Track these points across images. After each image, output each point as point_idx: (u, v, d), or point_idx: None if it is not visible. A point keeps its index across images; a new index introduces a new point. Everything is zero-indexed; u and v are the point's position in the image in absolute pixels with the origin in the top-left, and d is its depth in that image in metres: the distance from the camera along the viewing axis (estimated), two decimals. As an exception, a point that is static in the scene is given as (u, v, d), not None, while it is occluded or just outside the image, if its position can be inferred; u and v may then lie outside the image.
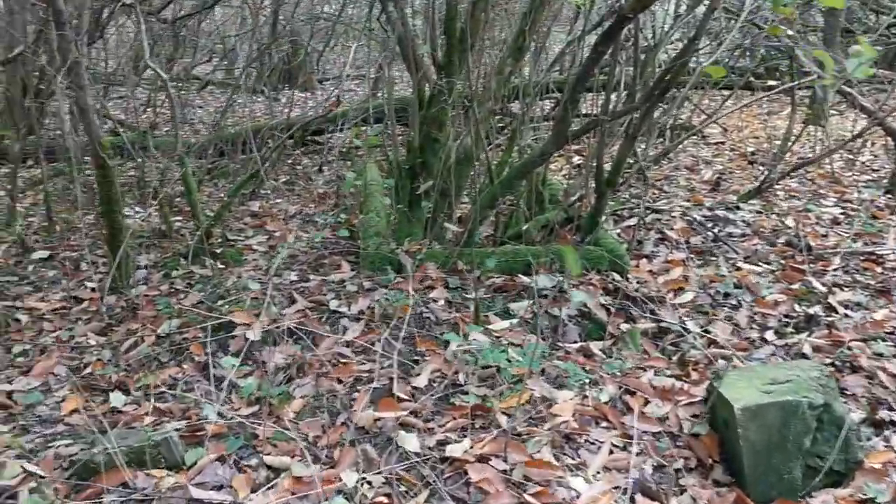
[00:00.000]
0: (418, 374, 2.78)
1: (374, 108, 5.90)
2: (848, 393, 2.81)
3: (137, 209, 5.17)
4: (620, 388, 2.81)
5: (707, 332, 3.32)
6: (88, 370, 3.08)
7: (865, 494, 2.27)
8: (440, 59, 3.85)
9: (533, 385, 2.70)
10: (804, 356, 3.09)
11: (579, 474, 2.31)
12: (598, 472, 2.34)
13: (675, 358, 3.12)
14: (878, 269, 3.97)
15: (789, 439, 2.24)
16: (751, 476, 2.27)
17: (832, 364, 3.00)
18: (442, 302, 3.37)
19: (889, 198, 5.48)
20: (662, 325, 3.38)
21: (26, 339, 3.41)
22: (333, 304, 3.30)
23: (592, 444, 2.46)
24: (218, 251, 4.13)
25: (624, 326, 3.42)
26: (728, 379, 2.48)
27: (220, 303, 3.43)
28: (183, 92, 10.01)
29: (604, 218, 3.84)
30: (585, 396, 2.73)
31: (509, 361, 2.86)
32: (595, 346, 3.26)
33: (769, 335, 3.26)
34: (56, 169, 5.74)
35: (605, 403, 2.69)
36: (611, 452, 2.41)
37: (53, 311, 3.73)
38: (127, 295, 3.78)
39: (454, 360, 2.85)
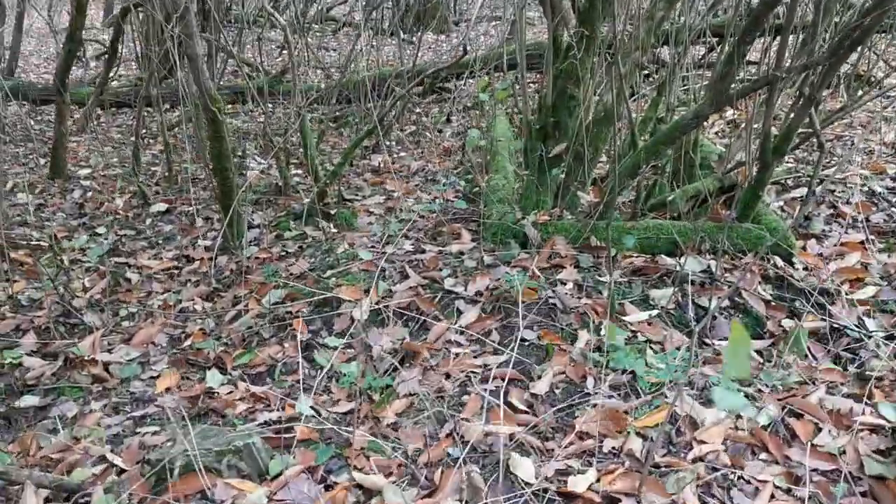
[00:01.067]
0: (539, 377, 2.40)
1: (508, 55, 5.45)
2: None
3: (259, 160, 5.02)
4: (784, 407, 2.33)
5: (893, 337, 2.75)
6: (189, 342, 2.91)
7: None
8: (581, 0, 3.36)
9: (675, 399, 2.26)
10: None
11: (731, 524, 1.89)
12: (756, 523, 1.90)
13: (851, 370, 2.58)
14: None
15: None
16: (960, 549, 1.78)
17: None
18: (570, 285, 2.96)
19: None
20: (835, 325, 2.83)
21: (134, 301, 3.29)
22: (449, 283, 2.96)
23: (748, 483, 2.02)
24: (332, 212, 3.88)
25: (787, 323, 2.90)
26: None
27: (328, 273, 3.16)
28: (318, 33, 9.86)
29: (765, 191, 3.28)
30: (740, 417, 2.27)
31: (648, 366, 2.43)
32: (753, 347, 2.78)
33: (976, 347, 2.65)
34: (182, 117, 5.67)
35: (765, 428, 2.22)
36: (772, 497, 1.96)
37: (164, 270, 3.60)
38: (238, 256, 3.61)
39: (582, 361, 2.46)
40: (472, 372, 2.48)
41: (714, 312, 2.92)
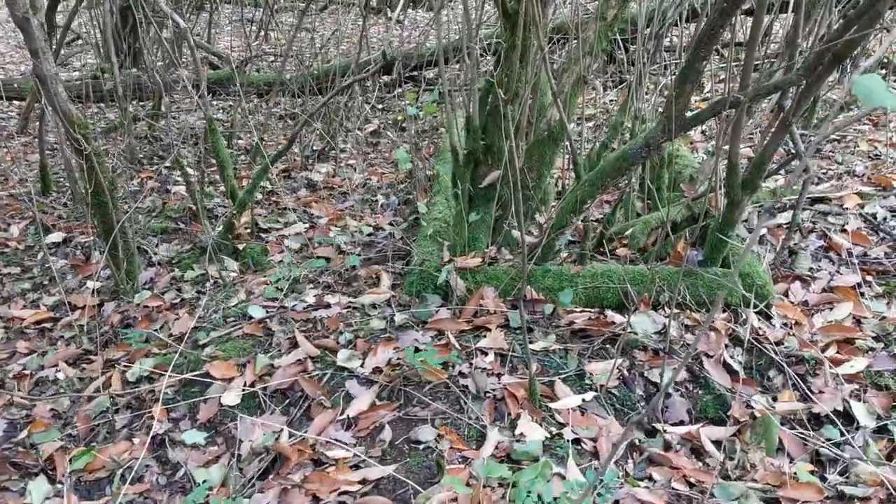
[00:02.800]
0: (421, 510, 1.88)
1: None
2: None
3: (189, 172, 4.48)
4: (736, 552, 1.79)
5: (885, 429, 2.20)
6: (26, 432, 2.40)
7: None
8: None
9: (591, 548, 1.74)
10: None
11: None
12: None
13: (832, 479, 2.04)
14: None
15: None
16: None
17: None
18: (491, 357, 2.42)
19: None
20: (816, 409, 2.28)
21: (-12, 369, 2.79)
22: (343, 357, 2.43)
23: None
24: (242, 246, 3.35)
25: (757, 403, 2.36)
26: None
27: (205, 339, 2.65)
28: (297, 8, 9.20)
29: (737, 230, 2.70)
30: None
31: (565, 485, 1.89)
32: (709, 437, 2.24)
33: None
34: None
35: (707, 587, 1.70)
36: None
37: (38, 323, 3.09)
38: (129, 300, 3.10)
39: (481, 482, 1.92)
40: (347, 492, 1.95)
41: (667, 389, 2.37)
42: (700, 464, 2.16)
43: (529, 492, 1.81)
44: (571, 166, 2.94)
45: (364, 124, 5.50)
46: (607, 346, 2.51)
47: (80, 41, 8.90)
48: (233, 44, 8.38)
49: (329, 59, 6.22)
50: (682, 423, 2.32)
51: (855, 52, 2.53)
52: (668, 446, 2.21)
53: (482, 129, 2.81)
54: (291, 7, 10.57)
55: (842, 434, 2.17)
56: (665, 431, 2.26)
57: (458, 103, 3.74)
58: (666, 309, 2.65)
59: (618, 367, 2.40)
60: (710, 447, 2.20)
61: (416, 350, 2.40)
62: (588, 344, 2.51)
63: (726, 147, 2.57)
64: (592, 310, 2.66)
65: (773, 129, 2.38)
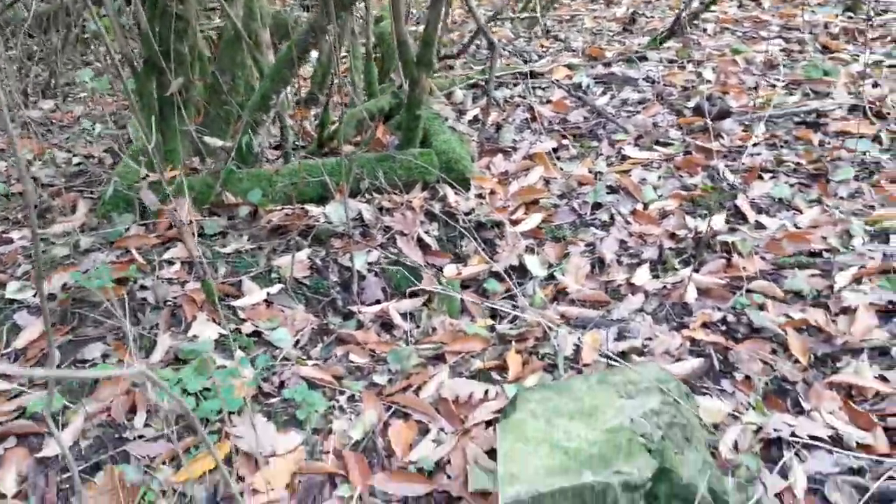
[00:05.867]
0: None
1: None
2: (737, 378, 1.86)
3: None
4: (390, 408, 1.85)
5: (553, 277, 2.33)
6: None
7: None
8: None
9: (240, 431, 1.74)
10: (685, 308, 2.12)
11: None
12: None
13: (500, 327, 2.14)
14: (816, 140, 2.91)
15: (596, 545, 1.31)
16: None
17: (723, 322, 2.03)
18: (177, 267, 2.35)
19: (850, 18, 4.32)
20: (495, 268, 2.38)
21: None
22: (12, 289, 2.28)
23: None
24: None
25: (450, 271, 2.43)
26: (517, 419, 1.51)
27: None
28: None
29: (422, 111, 2.72)
30: (331, 433, 1.77)
31: (207, 395, 1.87)
32: (399, 310, 2.29)
33: (641, 274, 2.27)
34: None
35: (356, 446, 1.74)
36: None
37: None
38: None
39: (140, 388, 1.87)
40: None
41: (361, 271, 2.40)
42: (388, 336, 2.21)
43: (179, 380, 1.78)
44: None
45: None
46: (304, 238, 2.49)
47: None
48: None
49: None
50: (377, 302, 2.36)
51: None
52: (360, 325, 2.25)
53: (157, 33, 2.65)
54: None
55: (514, 287, 2.28)
56: (360, 312, 2.29)
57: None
58: (366, 196, 2.66)
59: (309, 257, 2.40)
60: (398, 320, 2.25)
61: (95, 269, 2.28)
62: (283, 240, 2.48)
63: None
64: (293, 206, 2.63)
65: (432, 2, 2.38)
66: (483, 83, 3.37)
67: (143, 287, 2.25)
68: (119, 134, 3.50)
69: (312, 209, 2.60)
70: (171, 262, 2.36)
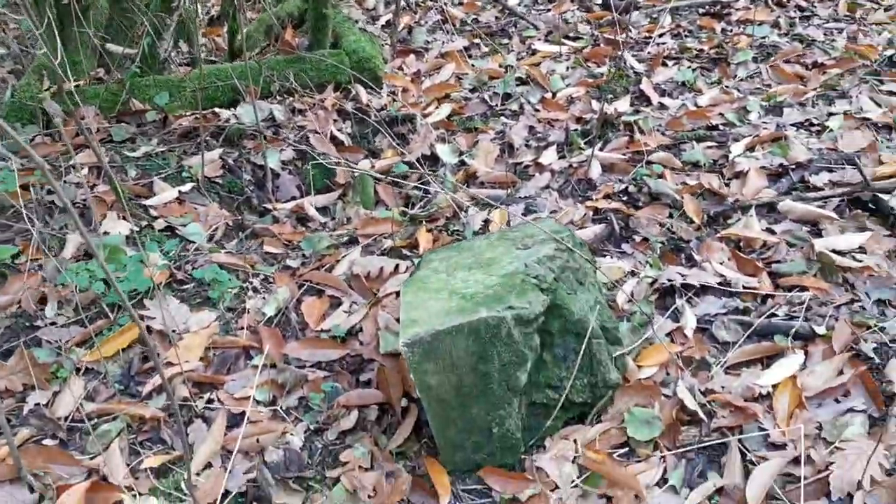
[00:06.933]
0: None
1: None
2: (637, 240, 1.95)
3: None
4: (302, 286, 1.89)
5: (464, 164, 2.38)
6: None
7: (625, 427, 1.47)
8: None
9: (153, 313, 1.76)
10: (589, 183, 2.19)
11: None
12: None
13: (413, 212, 2.19)
14: (719, 28, 2.99)
15: (493, 377, 1.38)
16: (441, 438, 1.44)
17: (625, 193, 2.12)
18: (85, 171, 2.32)
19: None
20: (406, 159, 2.41)
21: None
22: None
23: (224, 404, 1.58)
24: None
25: (364, 165, 2.46)
26: (420, 275, 1.57)
27: None
28: None
29: (329, 10, 2.71)
30: (245, 311, 1.81)
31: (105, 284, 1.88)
32: (315, 204, 2.31)
33: (548, 155, 2.33)
34: None
35: (271, 320, 1.79)
36: (250, 420, 1.53)
37: None
38: None
39: (51, 280, 1.87)
40: None
41: (275, 170, 2.41)
42: (304, 228, 2.24)
43: (87, 269, 1.79)
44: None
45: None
46: (216, 140, 2.48)
47: None
48: None
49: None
50: (293, 198, 2.37)
51: None
52: (276, 221, 2.27)
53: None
54: None
55: (425, 173, 2.32)
56: (275, 209, 2.31)
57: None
58: (278, 97, 2.65)
59: (221, 157, 2.39)
60: (312, 213, 2.28)
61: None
62: (194, 143, 2.47)
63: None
64: (203, 111, 2.61)
65: None
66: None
67: (49, 192, 2.22)
68: (21, 54, 3.39)
69: (223, 112, 2.58)
70: (77, 169, 2.33)
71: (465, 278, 1.49)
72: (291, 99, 2.63)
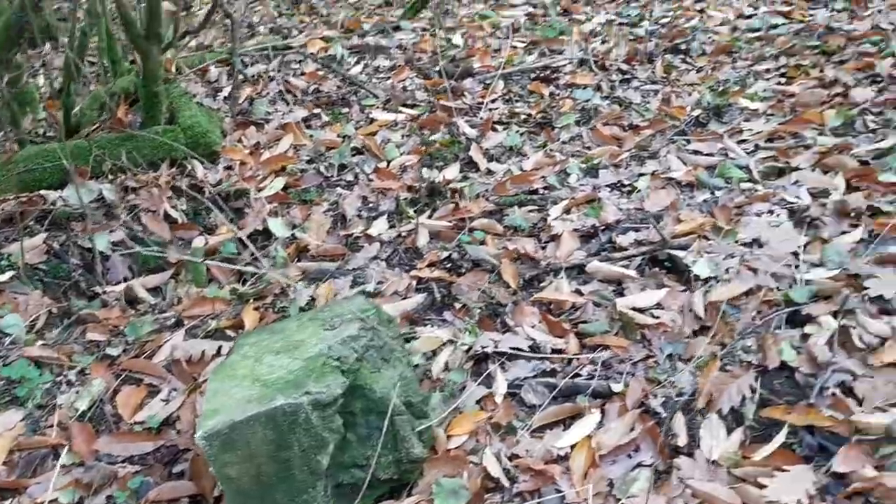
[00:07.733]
0: None
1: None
2: (457, 307, 2.03)
3: None
4: (120, 376, 1.87)
5: (295, 237, 2.41)
6: None
7: (432, 499, 1.52)
8: None
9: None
10: (416, 251, 2.26)
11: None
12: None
13: (239, 290, 2.19)
14: (547, 92, 3.17)
15: (294, 462, 1.41)
16: (246, 529, 1.45)
17: (448, 260, 2.20)
18: None
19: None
20: (240, 234, 2.42)
21: None
22: None
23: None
24: None
25: (198, 243, 2.45)
26: (230, 360, 1.58)
27: None
28: None
29: (159, 86, 2.71)
30: (56, 407, 1.77)
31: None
32: (146, 285, 2.29)
33: (378, 225, 2.39)
34: None
35: (83, 416, 1.75)
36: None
37: None
38: None
39: None
40: None
41: (105, 251, 2.37)
42: (133, 311, 2.21)
43: None
44: None
45: None
46: (41, 224, 2.42)
47: None
48: None
49: None
50: (125, 280, 2.34)
51: None
52: (105, 305, 2.22)
53: None
54: None
55: (255, 250, 2.34)
56: (104, 292, 2.26)
57: None
58: (109, 176, 2.62)
59: (45, 242, 2.33)
60: (143, 294, 2.25)
61: None
62: (16, 228, 2.40)
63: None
64: (29, 194, 2.54)
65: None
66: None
67: None
68: None
69: (50, 194, 2.53)
70: None
71: (271, 363, 1.52)
72: (124, 177, 2.60)
